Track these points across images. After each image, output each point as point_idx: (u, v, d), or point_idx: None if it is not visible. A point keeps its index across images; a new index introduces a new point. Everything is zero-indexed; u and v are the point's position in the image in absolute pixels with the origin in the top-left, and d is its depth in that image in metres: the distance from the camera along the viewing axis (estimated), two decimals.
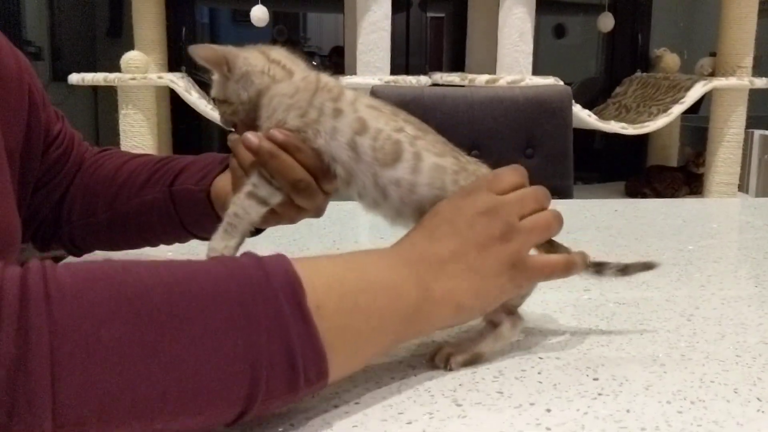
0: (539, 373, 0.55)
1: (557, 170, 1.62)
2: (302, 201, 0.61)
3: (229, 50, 0.62)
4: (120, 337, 0.38)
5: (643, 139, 3.58)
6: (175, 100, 2.89)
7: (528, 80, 2.60)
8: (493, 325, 0.58)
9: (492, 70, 2.75)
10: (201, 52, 0.61)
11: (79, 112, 3.65)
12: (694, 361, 0.58)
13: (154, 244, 0.78)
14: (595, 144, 4.00)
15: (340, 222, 1.09)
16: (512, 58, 2.68)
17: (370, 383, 0.53)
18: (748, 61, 2.87)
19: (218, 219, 0.66)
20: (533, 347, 0.60)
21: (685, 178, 3.27)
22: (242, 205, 0.60)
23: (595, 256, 0.60)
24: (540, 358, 0.58)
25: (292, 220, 0.65)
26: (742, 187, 3.21)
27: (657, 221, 1.16)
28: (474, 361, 0.56)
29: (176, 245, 0.78)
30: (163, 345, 0.39)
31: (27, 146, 0.69)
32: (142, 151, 1.94)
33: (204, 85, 2.70)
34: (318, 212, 0.64)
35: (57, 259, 0.80)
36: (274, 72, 0.61)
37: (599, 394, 0.51)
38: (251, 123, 0.62)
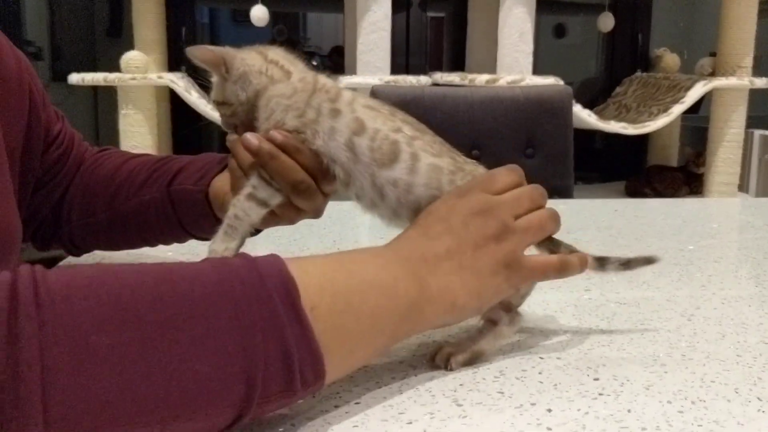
0: (540, 373, 0.55)
1: (557, 170, 1.62)
2: (302, 202, 0.61)
3: (226, 51, 0.62)
4: (111, 343, 0.37)
5: (644, 139, 3.58)
6: (175, 100, 2.88)
7: (528, 80, 2.60)
8: (492, 323, 0.58)
9: (492, 70, 2.74)
10: (198, 53, 0.61)
11: (79, 112, 3.65)
12: (695, 361, 0.58)
13: (153, 244, 0.78)
14: (596, 144, 4.00)
15: (340, 222, 1.09)
16: (512, 58, 2.68)
17: (371, 383, 0.53)
18: (748, 61, 2.87)
19: (216, 219, 0.66)
20: (534, 347, 0.60)
21: (685, 178, 3.27)
22: (242, 206, 0.59)
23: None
24: (541, 358, 0.58)
25: (291, 221, 0.64)
26: (742, 187, 3.21)
27: (657, 221, 1.16)
28: (474, 359, 0.56)
29: (176, 245, 0.78)
30: (155, 350, 0.38)
31: (27, 146, 0.69)
32: (142, 151, 1.93)
33: (204, 88, 2.69)
34: (317, 213, 0.64)
35: (57, 259, 0.81)
36: (272, 72, 0.61)
37: (600, 394, 0.51)
38: (249, 124, 0.62)
